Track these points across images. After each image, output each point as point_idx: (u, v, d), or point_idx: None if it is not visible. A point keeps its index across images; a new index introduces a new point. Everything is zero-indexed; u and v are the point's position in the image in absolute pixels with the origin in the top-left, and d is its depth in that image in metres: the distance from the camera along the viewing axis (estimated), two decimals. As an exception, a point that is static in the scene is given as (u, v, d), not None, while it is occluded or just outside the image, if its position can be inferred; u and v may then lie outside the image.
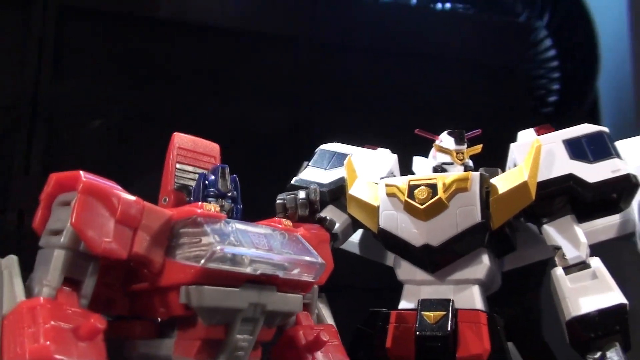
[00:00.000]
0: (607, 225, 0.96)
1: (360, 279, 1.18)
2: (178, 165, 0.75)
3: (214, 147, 0.79)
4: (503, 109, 1.86)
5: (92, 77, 1.63)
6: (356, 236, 1.07)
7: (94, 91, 1.62)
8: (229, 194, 0.72)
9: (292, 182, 1.03)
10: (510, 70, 2.07)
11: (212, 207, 0.68)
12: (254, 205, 0.77)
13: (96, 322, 0.57)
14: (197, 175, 0.76)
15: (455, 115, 1.07)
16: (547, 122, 1.00)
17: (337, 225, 0.93)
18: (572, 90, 2.24)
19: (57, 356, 0.54)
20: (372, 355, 0.92)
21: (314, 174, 1.03)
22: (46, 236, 0.62)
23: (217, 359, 0.66)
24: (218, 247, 0.62)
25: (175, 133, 0.77)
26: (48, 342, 0.54)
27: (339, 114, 1.75)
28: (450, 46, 1.90)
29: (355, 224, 1.01)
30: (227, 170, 0.73)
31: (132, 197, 0.64)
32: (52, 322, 0.56)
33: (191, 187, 0.75)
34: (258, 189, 0.90)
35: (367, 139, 1.08)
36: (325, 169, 1.03)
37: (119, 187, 0.64)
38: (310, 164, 1.06)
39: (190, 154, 0.77)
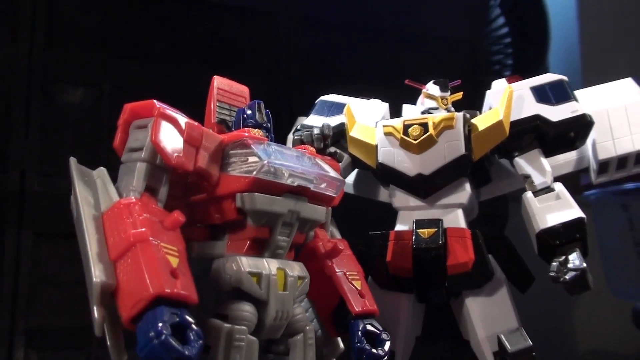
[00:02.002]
0: (567, 161, 1.14)
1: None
2: (218, 103, 0.89)
3: (244, 89, 0.94)
4: (465, 79, 2.02)
5: (83, 46, 1.71)
6: (350, 178, 1.23)
7: (84, 60, 1.70)
8: (264, 125, 0.86)
9: (298, 127, 1.18)
10: (471, 44, 2.22)
11: (256, 132, 0.83)
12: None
13: (178, 215, 0.72)
14: (232, 112, 0.90)
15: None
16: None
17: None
18: (525, 65, 2.41)
19: (152, 238, 0.68)
20: (372, 270, 1.08)
21: (317, 120, 1.18)
22: (127, 153, 0.76)
23: (262, 255, 0.81)
24: (266, 161, 0.77)
25: (215, 76, 0.91)
26: (144, 229, 0.69)
27: (315, 84, 1.87)
28: (419, 21, 2.04)
29: (353, 164, 1.17)
30: (262, 105, 0.87)
31: (194, 122, 0.78)
32: (145, 215, 0.70)
33: (229, 122, 0.89)
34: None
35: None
36: (326, 116, 1.19)
37: (184, 114, 0.78)
38: (312, 112, 1.21)
39: (227, 94, 0.91)
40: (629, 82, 1.16)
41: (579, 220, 0.99)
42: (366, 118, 1.15)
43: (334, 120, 1.16)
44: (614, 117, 1.12)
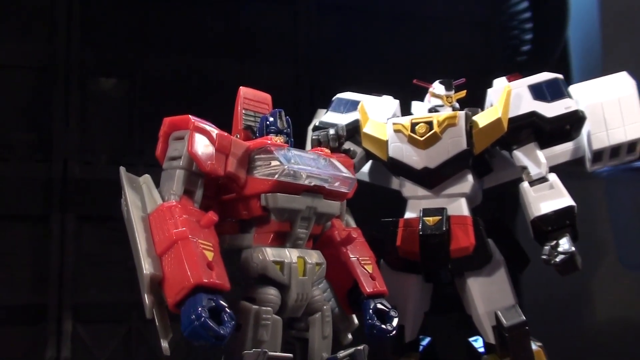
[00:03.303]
0: (563, 151, 1.23)
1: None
2: (244, 111, 1.01)
3: (267, 97, 1.04)
4: (480, 60, 2.08)
5: (115, 41, 1.81)
6: (365, 168, 1.34)
7: (117, 53, 1.81)
8: (285, 131, 0.98)
9: (317, 124, 1.30)
10: (487, 24, 2.28)
11: (278, 139, 0.95)
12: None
13: (212, 215, 0.85)
14: (256, 118, 1.01)
15: (440, 70, 1.30)
16: (520, 70, 1.27)
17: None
18: (544, 40, 2.45)
19: (191, 236, 0.81)
20: (384, 253, 1.20)
21: (334, 117, 1.30)
22: (168, 162, 0.88)
23: (284, 245, 0.93)
24: (286, 166, 0.89)
25: (240, 87, 1.02)
26: (184, 228, 0.81)
27: (334, 72, 1.94)
28: (440, 5, 2.11)
29: (367, 157, 1.28)
30: (283, 112, 0.99)
31: (224, 133, 0.90)
32: (184, 216, 0.83)
33: (254, 127, 1.01)
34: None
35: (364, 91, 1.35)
36: (342, 113, 1.30)
37: (215, 126, 0.90)
38: (329, 109, 1.33)
39: (252, 102, 1.02)
40: (623, 75, 1.25)
41: (569, 208, 1.10)
42: (378, 114, 1.26)
43: (349, 117, 1.28)
44: (608, 109, 1.20)
